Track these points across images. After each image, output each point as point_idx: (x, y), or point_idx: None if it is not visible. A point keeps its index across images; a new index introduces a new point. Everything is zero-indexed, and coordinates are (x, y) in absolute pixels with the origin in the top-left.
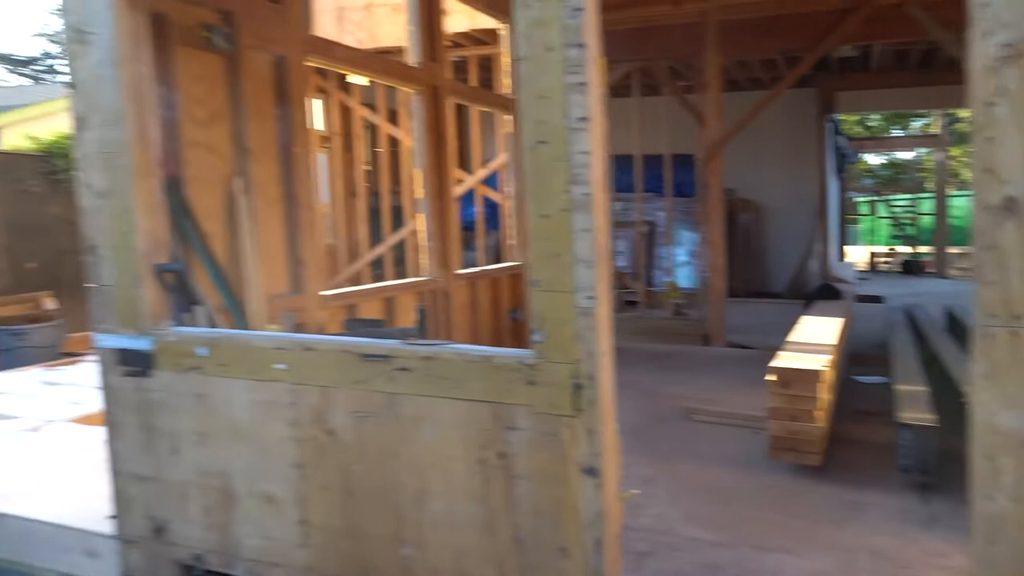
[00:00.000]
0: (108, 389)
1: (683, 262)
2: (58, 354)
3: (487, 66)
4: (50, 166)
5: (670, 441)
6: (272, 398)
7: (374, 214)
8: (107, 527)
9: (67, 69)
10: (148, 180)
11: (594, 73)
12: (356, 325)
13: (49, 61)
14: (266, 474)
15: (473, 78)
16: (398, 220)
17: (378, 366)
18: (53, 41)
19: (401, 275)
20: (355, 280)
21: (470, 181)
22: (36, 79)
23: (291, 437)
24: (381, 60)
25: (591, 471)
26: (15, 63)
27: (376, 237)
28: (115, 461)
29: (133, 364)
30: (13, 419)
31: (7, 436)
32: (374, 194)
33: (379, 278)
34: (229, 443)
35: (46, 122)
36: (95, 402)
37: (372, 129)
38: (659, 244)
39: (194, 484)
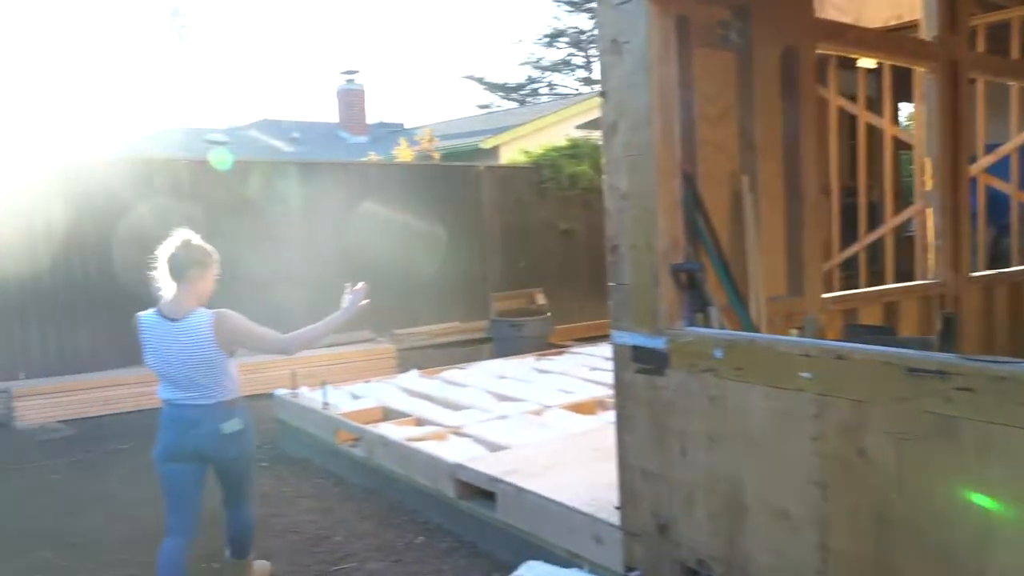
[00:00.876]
0: (621, 384)
1: None
2: (546, 344)
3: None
4: (539, 176)
5: None
6: (792, 408)
7: (845, 211)
8: (612, 516)
9: (600, 80)
10: (671, 181)
11: None
12: (860, 332)
13: (533, 86)
14: (781, 488)
15: (1015, 46)
16: (872, 218)
17: (929, 383)
18: (536, 68)
19: (875, 277)
20: (826, 281)
21: (971, 169)
22: (522, 102)
23: (813, 452)
24: (894, 39)
25: None
26: (507, 90)
27: (848, 236)
28: (624, 454)
29: (646, 362)
30: (518, 402)
31: (516, 418)
32: (845, 190)
33: (850, 279)
34: (741, 450)
35: (535, 138)
36: (583, 391)
37: (848, 120)
38: None
39: (701, 487)
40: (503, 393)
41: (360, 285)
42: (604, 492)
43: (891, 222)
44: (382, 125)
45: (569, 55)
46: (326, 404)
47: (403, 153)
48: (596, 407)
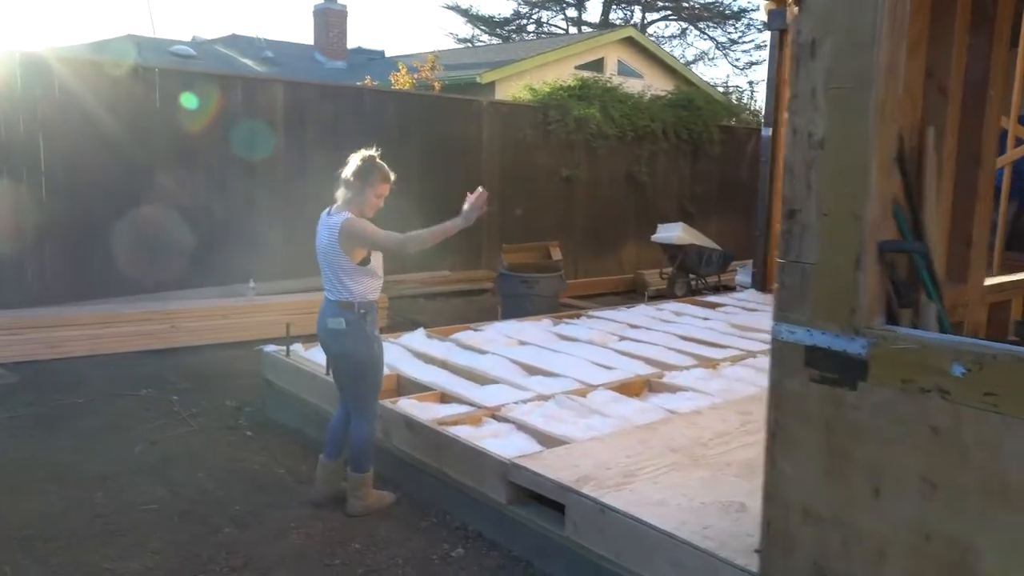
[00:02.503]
0: (781, 393)
1: None
2: (557, 304)
3: None
4: (545, 117)
5: None
6: None
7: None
8: (742, 557)
9: None
10: (892, 126)
11: None
12: None
13: (520, 22)
14: None
15: None
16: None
17: None
18: (525, 3)
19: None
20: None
21: None
22: (507, 39)
23: None
24: None
25: None
26: (491, 24)
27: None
28: (777, 483)
29: (830, 369)
30: (554, 377)
31: (560, 400)
32: None
33: None
34: (980, 505)
35: (534, 75)
36: (623, 366)
37: None
38: None
39: (901, 543)
40: (531, 364)
41: (479, 191)
42: (716, 518)
43: None
44: (360, 51)
45: None
46: (329, 369)
47: (401, 80)
48: (643, 388)
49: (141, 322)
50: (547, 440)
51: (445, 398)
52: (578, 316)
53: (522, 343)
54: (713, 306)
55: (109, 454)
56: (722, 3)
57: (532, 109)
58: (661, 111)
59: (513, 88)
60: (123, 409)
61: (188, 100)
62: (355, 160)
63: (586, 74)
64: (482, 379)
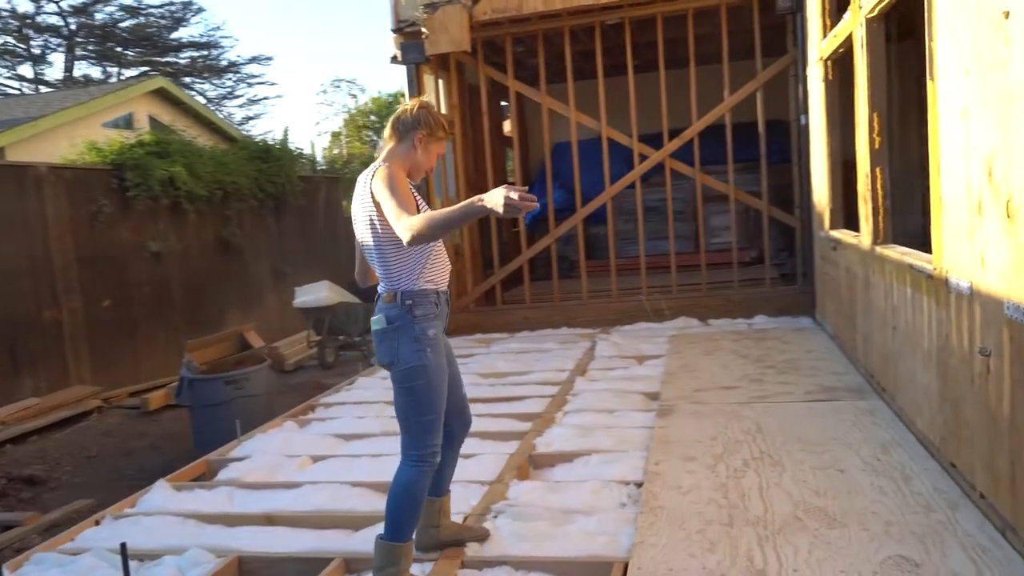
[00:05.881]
0: None
1: None
2: (272, 401)
3: None
4: (121, 181)
5: None
6: None
7: None
8: None
9: None
10: None
11: None
12: None
13: None
14: None
15: None
16: None
17: None
18: None
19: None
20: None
21: (657, 155)
22: None
23: None
24: None
25: None
26: None
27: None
28: None
29: None
30: None
31: (509, 512)
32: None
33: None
34: None
35: (57, 137)
36: (470, 448)
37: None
38: None
39: None
40: (363, 480)
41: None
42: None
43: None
44: None
45: (5, 44)
46: None
47: None
48: (529, 466)
49: None
50: (554, 567)
51: (353, 566)
52: (313, 408)
53: (314, 458)
54: None
55: None
56: (209, 56)
57: (105, 173)
58: (243, 165)
59: (29, 152)
60: None
61: None
62: (411, 108)
63: (108, 133)
64: (350, 521)
